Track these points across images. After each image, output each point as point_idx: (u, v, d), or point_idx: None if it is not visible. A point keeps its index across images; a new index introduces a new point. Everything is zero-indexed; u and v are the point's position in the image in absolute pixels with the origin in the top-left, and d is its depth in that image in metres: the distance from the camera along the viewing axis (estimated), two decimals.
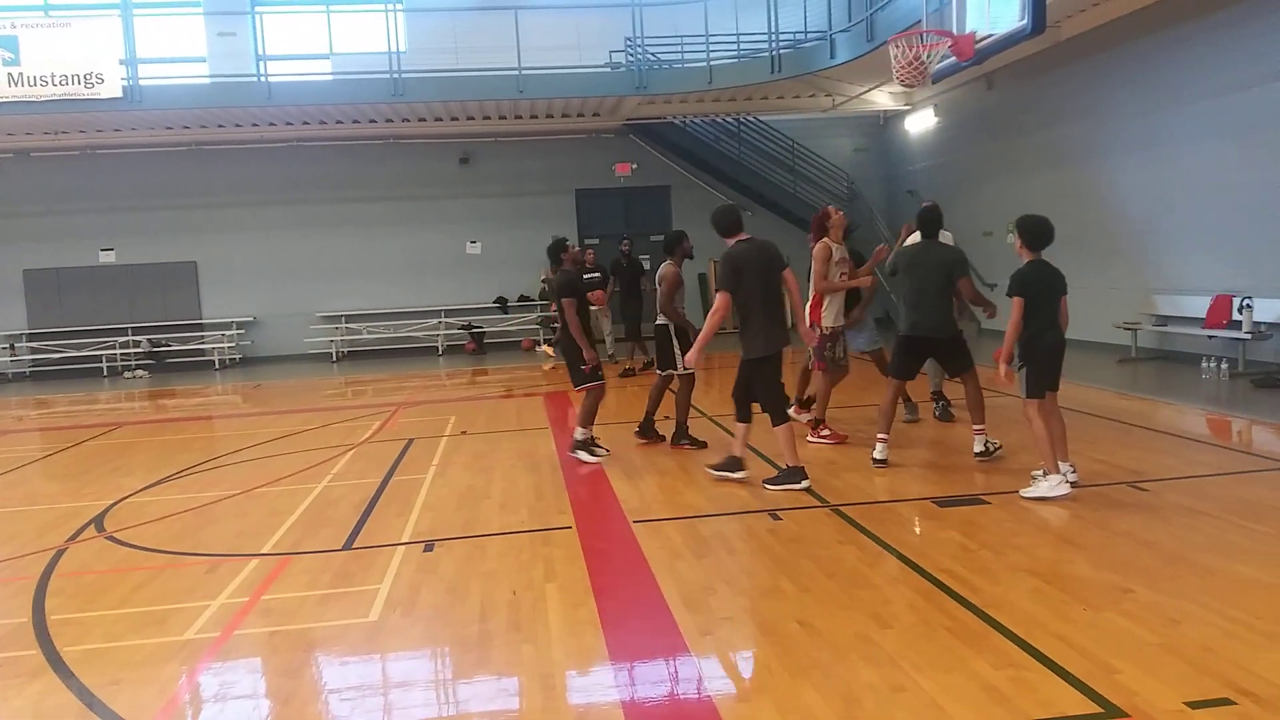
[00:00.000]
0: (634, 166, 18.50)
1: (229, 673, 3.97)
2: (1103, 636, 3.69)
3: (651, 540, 5.32)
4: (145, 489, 7.51)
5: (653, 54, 16.08)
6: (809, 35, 15.35)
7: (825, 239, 7.69)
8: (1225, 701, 3.13)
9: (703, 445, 7.79)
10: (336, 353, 17.75)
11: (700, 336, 6.49)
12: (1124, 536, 4.99)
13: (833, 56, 13.74)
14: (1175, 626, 3.76)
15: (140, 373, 16.77)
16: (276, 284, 18.01)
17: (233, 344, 17.61)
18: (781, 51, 14.77)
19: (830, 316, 7.77)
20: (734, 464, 6.54)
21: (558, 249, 7.90)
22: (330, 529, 6.03)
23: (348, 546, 5.65)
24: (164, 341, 17.45)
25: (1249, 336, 9.89)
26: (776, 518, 5.64)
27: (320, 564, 5.33)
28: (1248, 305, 9.93)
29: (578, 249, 7.10)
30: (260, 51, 17.10)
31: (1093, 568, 4.51)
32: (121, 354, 17.18)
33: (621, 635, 4.03)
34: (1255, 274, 10.20)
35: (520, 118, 17.31)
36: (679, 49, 16.44)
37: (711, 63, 15.40)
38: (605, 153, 18.58)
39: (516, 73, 15.15)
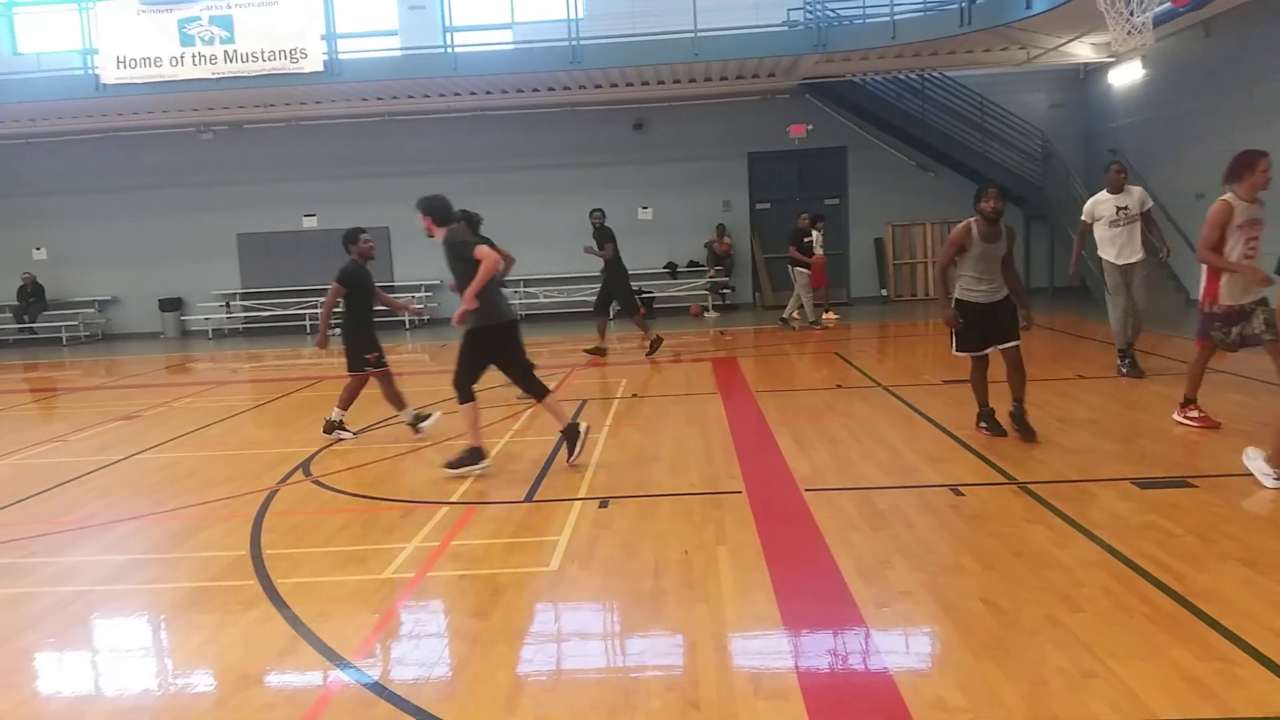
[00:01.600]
0: (809, 127, 18.06)
1: (423, 611, 4.24)
2: None
3: (824, 509, 5.26)
4: (343, 440, 8.07)
5: (832, 10, 15.58)
6: None
7: (1229, 196, 6.08)
8: None
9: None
10: (539, 314, 18.42)
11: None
12: None
13: (1029, 6, 12.87)
14: None
15: (337, 330, 17.97)
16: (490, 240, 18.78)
17: (421, 305, 18.59)
18: (972, 2, 13.97)
19: (1234, 291, 6.20)
20: (473, 456, 6.37)
21: (350, 238, 7.99)
22: (513, 481, 6.30)
23: (529, 499, 5.89)
24: None
25: None
26: (959, 493, 5.44)
27: (504, 514, 5.59)
28: None
29: (370, 242, 7.27)
30: (448, 23, 17.81)
31: None
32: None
33: (795, 602, 4.01)
34: None
35: (694, 81, 17.23)
36: (861, 4, 15.85)
37: (895, 17, 14.78)
38: (780, 114, 18.23)
39: (693, 35, 15.07)
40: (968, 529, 4.82)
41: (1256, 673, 3.13)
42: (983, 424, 6.79)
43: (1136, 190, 8.66)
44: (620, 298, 12.33)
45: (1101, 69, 17.12)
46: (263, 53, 15.60)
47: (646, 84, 17.34)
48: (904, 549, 4.58)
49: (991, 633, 3.57)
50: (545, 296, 18.64)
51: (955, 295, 6.52)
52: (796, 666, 3.42)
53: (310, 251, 18.83)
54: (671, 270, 18.61)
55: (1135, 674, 3.17)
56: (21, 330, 18.46)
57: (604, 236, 12.07)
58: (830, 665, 3.46)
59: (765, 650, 3.61)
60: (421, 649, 3.85)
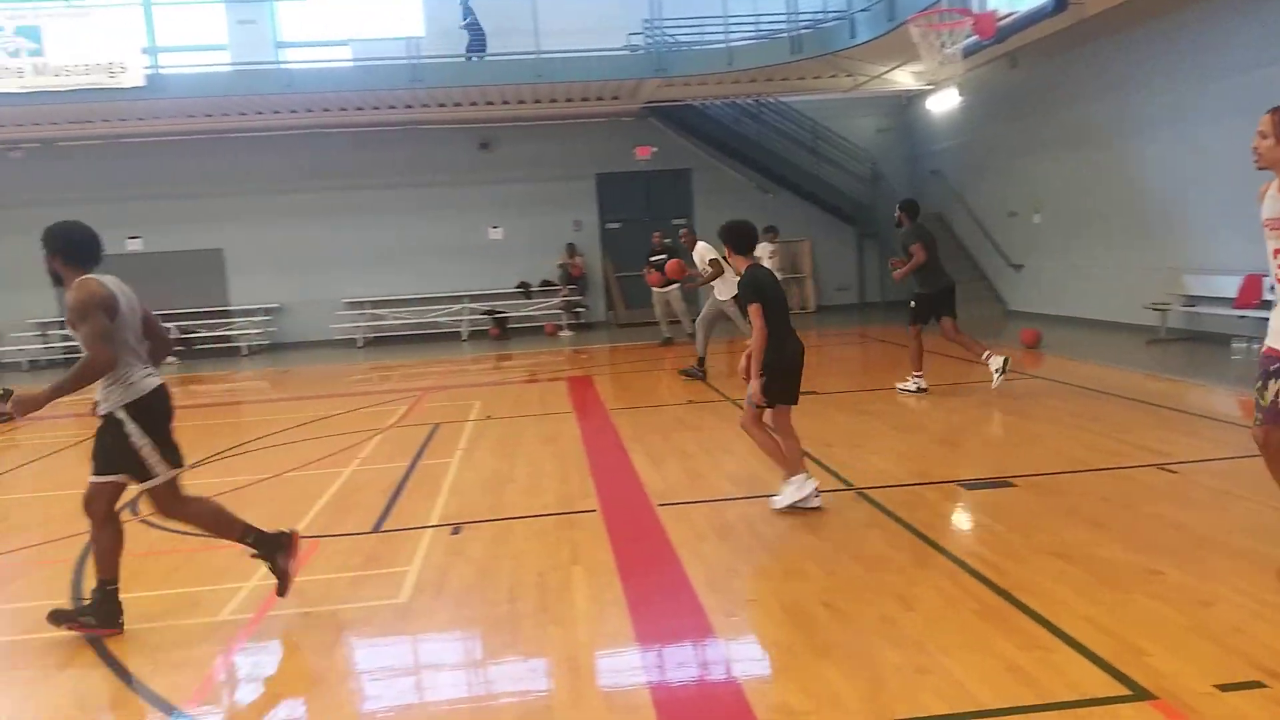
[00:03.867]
0: (654, 150, 18.44)
1: (263, 653, 4.04)
2: (1131, 618, 3.68)
3: (676, 523, 5.35)
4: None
5: (671, 36, 16.01)
6: (829, 15, 15.23)
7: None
8: (1256, 684, 3.12)
9: None
10: (362, 338, 17.89)
11: None
12: (1152, 518, 4.97)
13: (853, 36, 13.63)
14: (1205, 608, 3.75)
15: (170, 359, 16.97)
16: (302, 270, 18.14)
17: (260, 330, 17.79)
18: (802, 32, 14.66)
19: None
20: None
21: None
22: (359, 512, 6.11)
23: (377, 529, 5.72)
24: (192, 328, 17.64)
25: None
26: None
27: (350, 546, 5.41)
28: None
29: None
30: (280, 39, 17.21)
31: (1121, 550, 4.50)
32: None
33: (647, 617, 4.07)
34: None
35: (539, 102, 17.28)
36: (698, 30, 16.35)
37: (731, 44, 15.32)
38: (625, 136, 18.54)
39: (534, 57, 15.13)
40: (810, 536, 5.02)
41: (1070, 658, 3.39)
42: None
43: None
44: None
45: (922, 95, 18.27)
46: (76, 66, 14.59)
47: (491, 103, 17.26)
48: (751, 558, 4.72)
49: (832, 635, 3.73)
50: (394, 318, 18.18)
51: None
52: (649, 681, 3.47)
53: (136, 275, 17.57)
54: (525, 290, 18.55)
55: (964, 666, 3.38)
56: None
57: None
58: (681, 677, 3.53)
59: (619, 668, 3.64)
60: (262, 692, 3.68)
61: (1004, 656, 3.44)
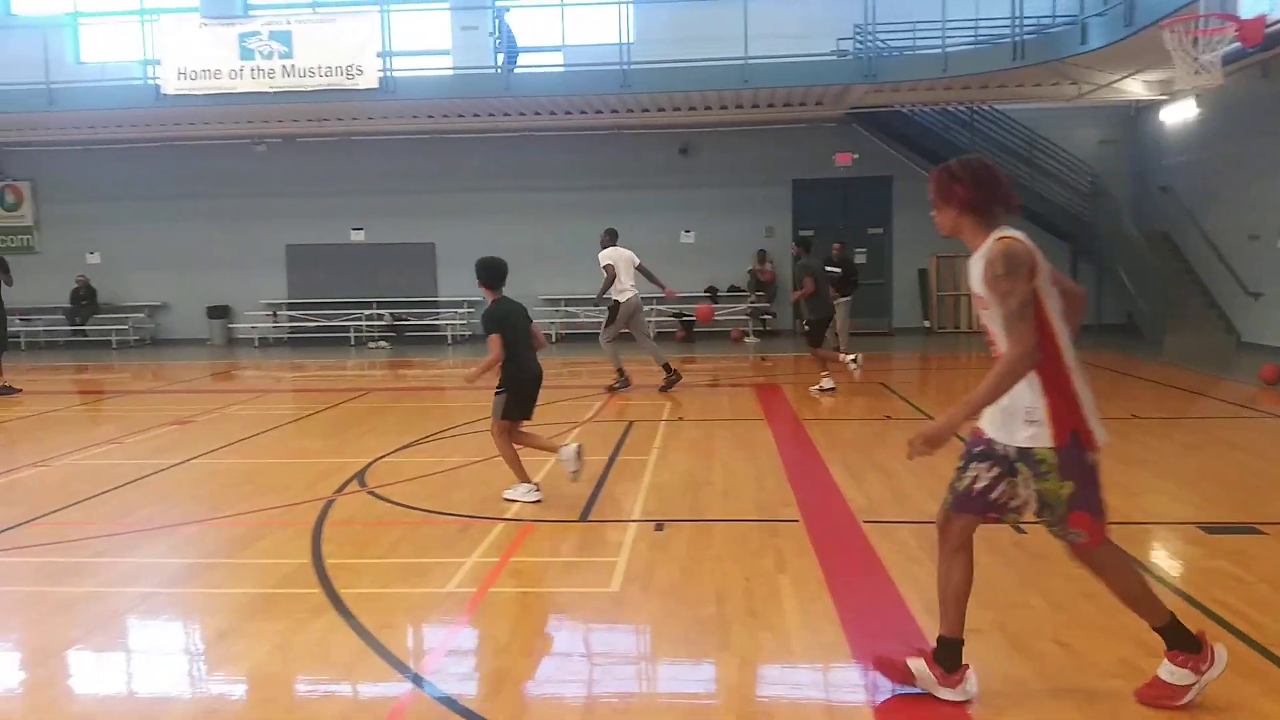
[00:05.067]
0: (855, 156, 18.07)
1: (490, 627, 4.25)
2: None
3: (884, 542, 5.23)
4: (397, 450, 8.14)
5: (882, 41, 15.63)
6: (1057, 20, 14.42)
7: None
8: None
9: None
10: (555, 334, 18.52)
11: None
12: None
13: (1084, 42, 12.83)
14: None
15: (382, 343, 18.21)
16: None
17: (464, 321, 18.77)
18: (1025, 37, 13.95)
19: None
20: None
21: None
22: (565, 501, 6.32)
23: (583, 518, 5.90)
24: (404, 316, 18.85)
25: None
26: (1020, 530, 5.36)
27: (560, 533, 5.61)
28: None
29: None
30: (499, 45, 18.07)
31: None
32: (366, 325, 18.72)
33: (862, 634, 3.99)
34: None
35: (741, 107, 17.32)
36: (912, 35, 15.89)
37: (948, 49, 14.79)
38: (825, 142, 18.27)
39: (742, 62, 15.16)
40: (1033, 567, 4.77)
41: None
42: None
43: None
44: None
45: (1153, 106, 17.01)
46: (320, 68, 15.89)
47: (694, 109, 17.45)
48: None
49: (1068, 674, 3.53)
50: (585, 316, 18.71)
51: None
52: (872, 701, 3.40)
53: (357, 264, 19.08)
54: (712, 294, 18.64)
55: None
56: (73, 333, 18.84)
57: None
58: (905, 701, 3.43)
59: (837, 683, 3.59)
60: (491, 665, 3.87)
61: (1267, 716, 3.14)
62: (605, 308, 11.60)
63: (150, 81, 16.50)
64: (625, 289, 11.24)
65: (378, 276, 19.12)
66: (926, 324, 18.30)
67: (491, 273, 6.40)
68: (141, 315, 19.34)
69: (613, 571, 4.85)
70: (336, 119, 17.79)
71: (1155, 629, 3.29)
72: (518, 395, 6.26)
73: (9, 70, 16.49)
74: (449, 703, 3.48)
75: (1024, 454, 3.16)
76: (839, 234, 17.22)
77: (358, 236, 19.34)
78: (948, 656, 3.36)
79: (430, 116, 17.67)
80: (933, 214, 3.36)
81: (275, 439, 9.08)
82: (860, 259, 18.11)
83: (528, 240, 18.92)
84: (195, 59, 16.05)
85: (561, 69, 17.37)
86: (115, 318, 19.06)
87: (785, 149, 18.44)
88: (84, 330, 18.75)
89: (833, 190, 18.61)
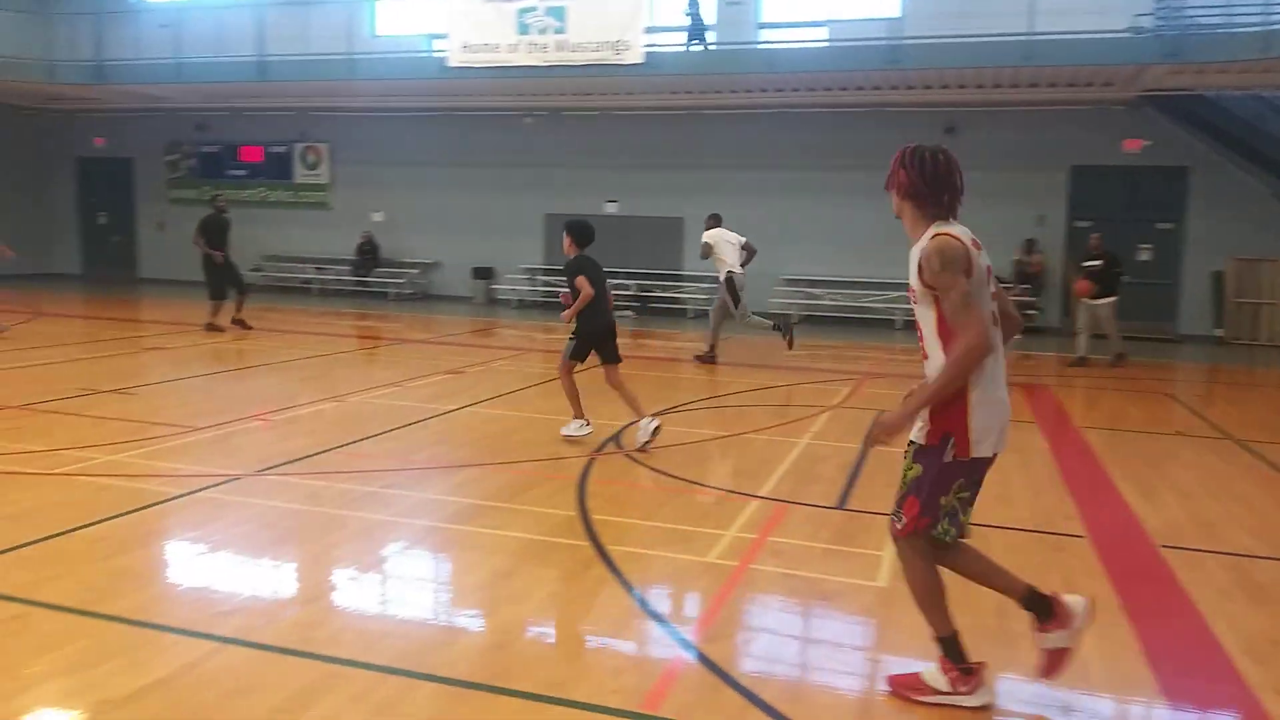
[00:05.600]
0: (1147, 143, 16.41)
1: (756, 603, 4.23)
2: None
3: (1189, 572, 4.70)
4: (649, 418, 8.28)
5: (1189, 17, 14.03)
6: None
7: None
8: None
9: None
10: (796, 315, 18.27)
11: None
12: None
13: None
14: None
15: (629, 313, 18.74)
16: (752, 243, 18.92)
17: (707, 297, 18.89)
18: None
19: None
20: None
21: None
22: (820, 485, 6.19)
23: (841, 506, 5.75)
24: (648, 288, 19.28)
25: None
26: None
27: (817, 518, 5.49)
28: None
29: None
30: (761, 20, 17.91)
31: None
32: (614, 294, 19.28)
33: (1173, 674, 3.60)
34: None
35: (1018, 86, 16.15)
36: (1226, 12, 14.16)
37: (1270, 27, 13.04)
38: (1112, 126, 16.69)
39: (1026, 38, 14.13)
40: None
41: None
42: None
43: None
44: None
45: None
46: (590, 43, 16.42)
47: (963, 87, 16.51)
48: None
49: None
50: (829, 299, 18.32)
51: None
52: None
53: (608, 236, 19.59)
54: None
55: None
56: (356, 283, 20.76)
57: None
58: None
59: None
60: (762, 642, 3.85)
61: None
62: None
63: (433, 55, 17.71)
64: (730, 265, 12.14)
65: (626, 248, 19.62)
66: (1219, 333, 16.36)
67: (583, 231, 7.50)
68: (415, 271, 20.97)
69: (878, 565, 4.68)
70: (599, 93, 18.34)
71: (936, 637, 3.34)
72: (588, 340, 7.31)
73: (317, 42, 18.29)
74: (721, 674, 3.48)
75: (910, 445, 3.34)
76: (1121, 227, 15.84)
77: (610, 209, 19.93)
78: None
79: (688, 92, 17.82)
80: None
81: (537, 394, 9.55)
82: (1145, 255, 16.53)
83: (773, 219, 18.75)
84: (477, 34, 17.06)
85: (826, 44, 16.95)
86: (393, 272, 20.79)
87: (1064, 132, 17.03)
88: (365, 281, 20.60)
89: (1117, 179, 16.99)
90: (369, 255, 20.80)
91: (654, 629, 3.90)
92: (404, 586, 4.45)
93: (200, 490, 5.64)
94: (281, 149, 21.88)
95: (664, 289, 19.28)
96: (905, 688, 3.36)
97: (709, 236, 12.43)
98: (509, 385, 9.79)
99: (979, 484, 3.39)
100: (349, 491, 5.79)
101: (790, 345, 12.06)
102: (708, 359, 12.08)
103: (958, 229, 3.21)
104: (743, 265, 12.31)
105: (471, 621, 4.03)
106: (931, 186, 3.22)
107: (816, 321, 18.25)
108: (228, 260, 13.34)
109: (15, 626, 3.70)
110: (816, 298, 18.43)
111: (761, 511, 5.59)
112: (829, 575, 4.55)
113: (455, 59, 17.24)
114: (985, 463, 3.30)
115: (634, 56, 16.21)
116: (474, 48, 17.13)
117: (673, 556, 4.74)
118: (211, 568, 4.53)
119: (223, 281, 13.29)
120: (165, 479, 5.84)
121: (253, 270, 21.47)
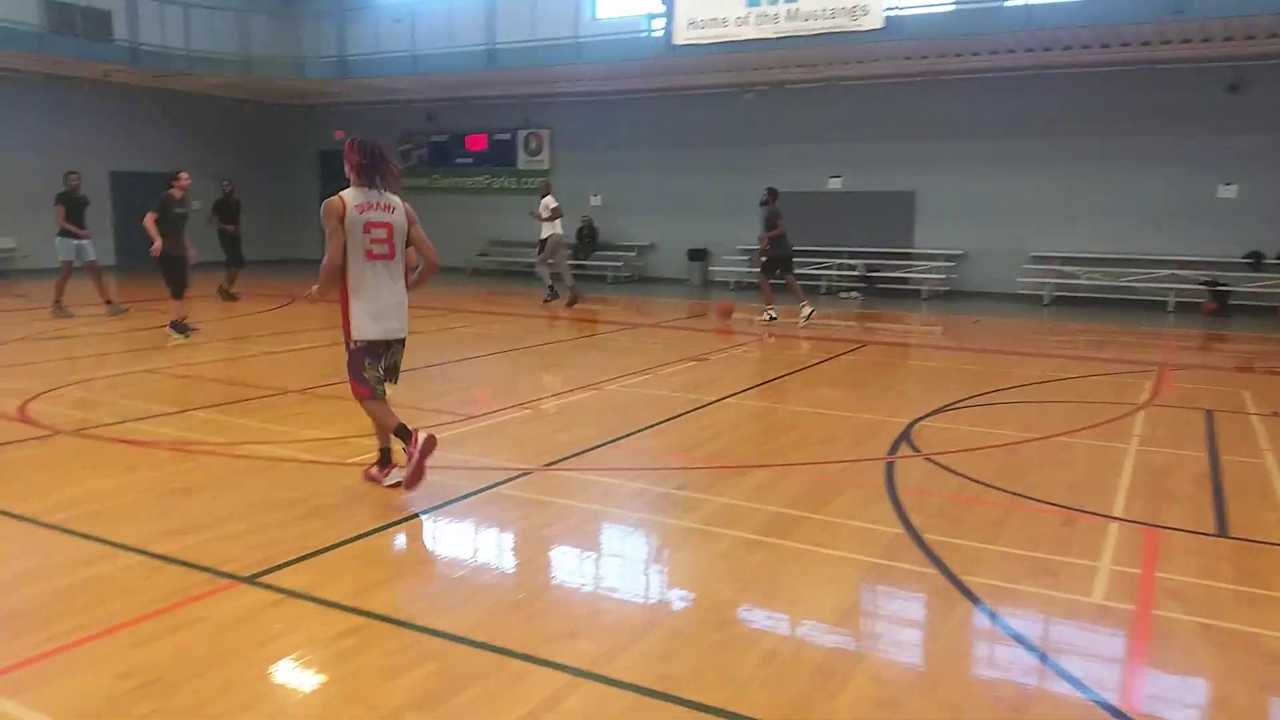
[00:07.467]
0: None
1: (1188, 667, 3.42)
2: None
3: None
4: (931, 414, 7.47)
5: None
6: None
7: None
8: None
9: None
10: (1048, 295, 16.69)
11: None
12: None
13: None
14: None
15: (854, 294, 17.77)
16: (991, 219, 17.47)
17: (941, 276, 17.65)
18: None
19: None
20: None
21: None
22: (1181, 505, 5.23)
23: (1221, 533, 4.78)
24: (877, 267, 18.21)
25: None
26: None
27: (1201, 548, 4.57)
28: None
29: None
30: None
31: None
32: (838, 275, 18.38)
33: None
34: None
35: None
36: None
37: None
38: None
39: None
40: None
41: None
42: None
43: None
44: None
45: None
46: (823, 10, 15.51)
47: (1252, 38, 14.39)
48: None
49: None
50: (1087, 278, 16.60)
51: None
52: None
53: (831, 212, 18.72)
54: (1255, 261, 15.51)
55: None
56: (576, 266, 20.85)
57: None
58: None
59: None
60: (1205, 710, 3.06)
61: None
62: None
63: (650, 34, 17.33)
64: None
65: (851, 226, 18.62)
66: None
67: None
68: (633, 254, 20.84)
69: None
70: (826, 64, 17.37)
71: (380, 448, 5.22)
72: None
73: (543, 29, 18.31)
74: None
75: None
76: None
77: (834, 184, 18.96)
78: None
79: (925, 57, 16.54)
80: None
81: (792, 385, 8.93)
82: None
83: (1019, 192, 17.24)
84: (705, 8, 16.51)
85: None
86: (611, 255, 20.75)
87: None
88: (585, 265, 20.65)
89: None
90: (588, 239, 20.85)
91: (1070, 694, 3.19)
92: (759, 617, 3.80)
93: (496, 485, 5.40)
94: (505, 136, 22.31)
95: (893, 268, 18.14)
96: None
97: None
98: (759, 374, 9.26)
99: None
100: (644, 492, 5.39)
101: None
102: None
103: (348, 192, 4.92)
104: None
105: (846, 673, 3.44)
106: (356, 164, 4.94)
107: (1069, 303, 16.60)
108: (237, 235, 15.60)
109: (354, 643, 3.47)
110: (1072, 276, 16.75)
111: (1128, 537, 4.72)
112: (1262, 629, 3.67)
113: (681, 36, 16.79)
114: None
115: (873, 21, 15.19)
116: (700, 23, 16.61)
117: (1047, 594, 3.99)
118: (533, 579, 4.21)
119: (235, 250, 15.60)
120: (457, 471, 5.66)
121: (479, 255, 22.11)
